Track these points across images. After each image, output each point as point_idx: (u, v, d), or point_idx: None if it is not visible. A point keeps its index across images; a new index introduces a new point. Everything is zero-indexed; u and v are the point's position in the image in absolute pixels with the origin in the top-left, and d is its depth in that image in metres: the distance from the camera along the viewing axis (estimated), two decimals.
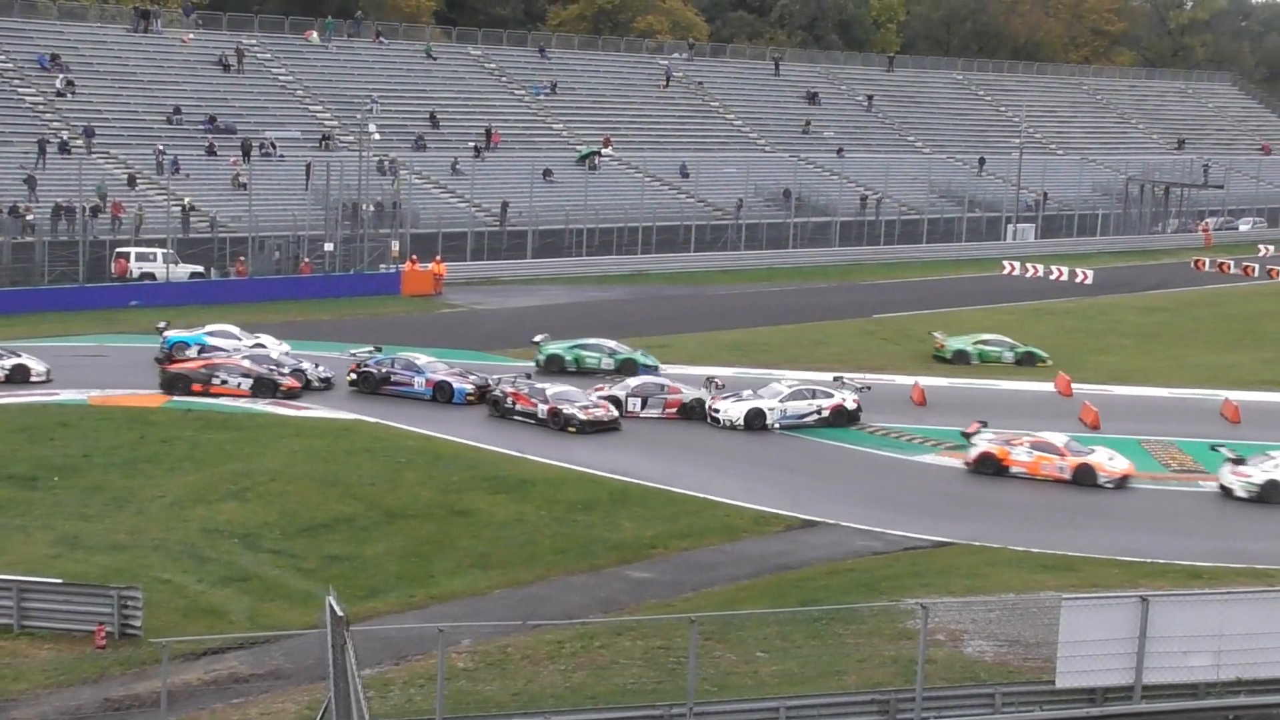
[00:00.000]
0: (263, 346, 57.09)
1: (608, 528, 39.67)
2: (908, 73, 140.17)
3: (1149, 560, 38.11)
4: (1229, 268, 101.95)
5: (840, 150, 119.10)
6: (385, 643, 30.18)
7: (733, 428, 50.64)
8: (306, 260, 79.19)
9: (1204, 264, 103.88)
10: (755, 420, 50.59)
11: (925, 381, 58.62)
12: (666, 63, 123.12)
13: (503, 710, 26.16)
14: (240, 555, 36.38)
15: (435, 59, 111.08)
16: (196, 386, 51.92)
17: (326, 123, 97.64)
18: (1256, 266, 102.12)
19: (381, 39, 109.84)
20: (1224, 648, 26.99)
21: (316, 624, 24.79)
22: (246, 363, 53.43)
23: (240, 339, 58.23)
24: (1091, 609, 27.28)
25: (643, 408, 52.01)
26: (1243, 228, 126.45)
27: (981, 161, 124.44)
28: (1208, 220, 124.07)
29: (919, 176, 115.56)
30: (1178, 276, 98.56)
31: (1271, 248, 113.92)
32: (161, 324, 59.18)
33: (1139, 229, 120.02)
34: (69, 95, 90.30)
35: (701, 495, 42.88)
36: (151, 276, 74.94)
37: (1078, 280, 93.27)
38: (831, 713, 25.92)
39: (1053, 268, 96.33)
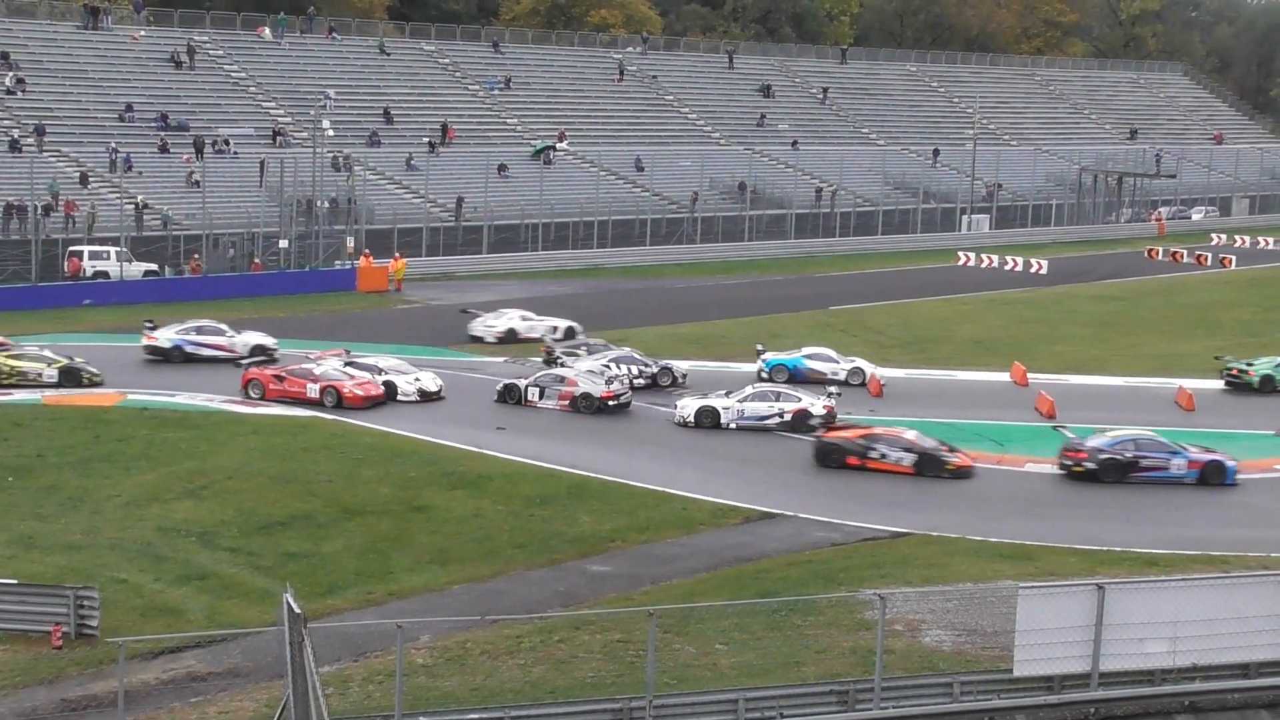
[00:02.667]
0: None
1: (566, 522, 39.61)
2: (861, 65, 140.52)
3: (1105, 548, 38.26)
4: (1182, 257, 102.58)
5: (795, 143, 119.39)
6: (344, 639, 30.04)
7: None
8: (258, 260, 78.81)
9: (1157, 253, 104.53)
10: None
11: (882, 372, 58.72)
12: (620, 56, 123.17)
13: (462, 706, 26.10)
14: (197, 554, 36.18)
15: (389, 54, 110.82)
16: (852, 460, 45.63)
17: (280, 119, 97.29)
18: (1209, 255, 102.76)
19: (334, 35, 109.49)
20: (1180, 634, 27.07)
21: (274, 622, 24.66)
22: (910, 434, 46.58)
23: (838, 361, 57.87)
24: (1048, 597, 27.34)
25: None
26: (1195, 217, 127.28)
27: (935, 153, 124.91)
28: (1161, 210, 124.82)
29: (873, 168, 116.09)
30: (1132, 266, 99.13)
31: (1224, 236, 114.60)
32: (759, 346, 59.06)
33: (1093, 219, 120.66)
34: (19, 93, 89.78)
35: (659, 489, 42.83)
36: (105, 275, 74.54)
37: (1033, 270, 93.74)
38: (791, 704, 25.91)
39: (1008, 258, 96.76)
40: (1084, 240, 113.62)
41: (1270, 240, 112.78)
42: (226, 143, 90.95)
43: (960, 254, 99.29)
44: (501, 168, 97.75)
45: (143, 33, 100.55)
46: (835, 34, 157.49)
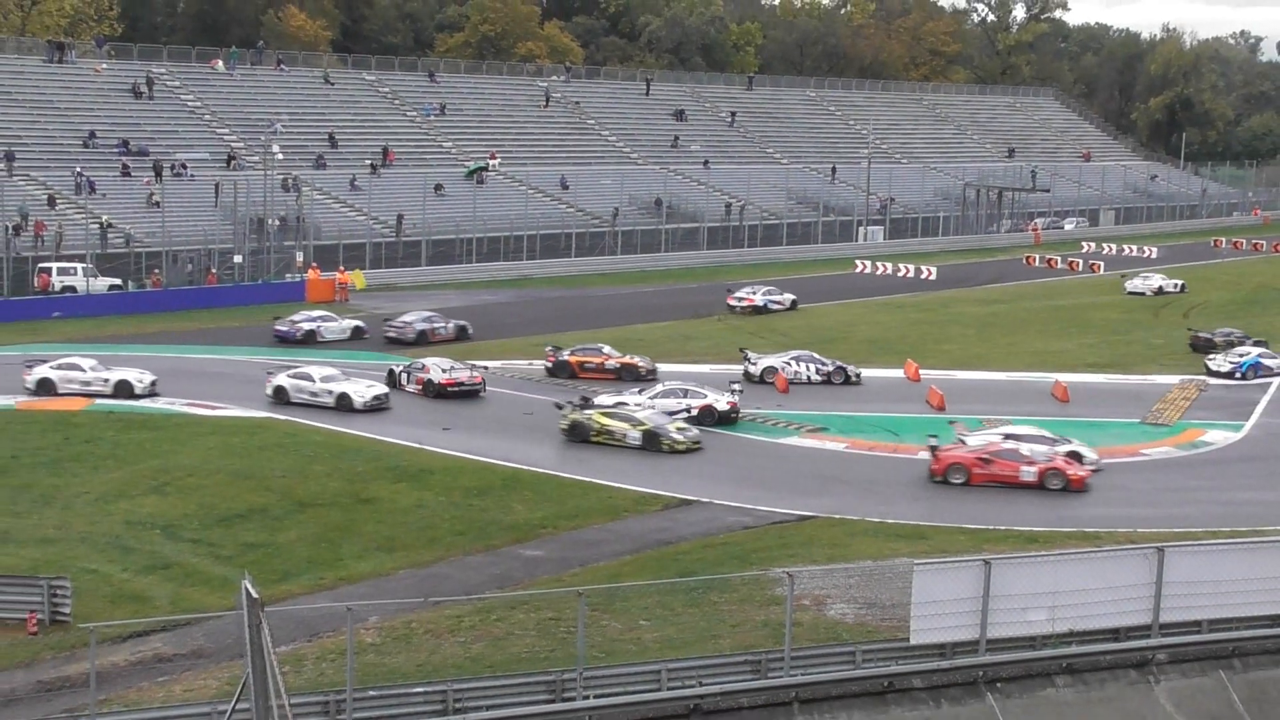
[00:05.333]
0: None
1: (501, 511, 39.57)
2: (766, 91, 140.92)
3: (991, 527, 38.63)
4: (1056, 263, 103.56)
5: (706, 162, 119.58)
6: (298, 622, 29.88)
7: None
8: (213, 271, 78.11)
9: (1034, 260, 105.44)
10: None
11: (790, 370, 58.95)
12: (546, 84, 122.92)
13: (408, 680, 26.01)
14: (162, 545, 35.88)
15: (333, 84, 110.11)
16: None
17: (233, 144, 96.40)
18: (1080, 261, 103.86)
19: (282, 66, 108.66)
20: (1058, 603, 27.33)
21: (234, 606, 24.48)
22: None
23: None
24: (940, 572, 27.53)
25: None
26: (1068, 226, 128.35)
27: (834, 170, 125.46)
28: (1036, 220, 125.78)
29: (778, 185, 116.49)
30: (1011, 271, 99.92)
31: (1093, 244, 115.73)
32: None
33: (976, 229, 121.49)
34: None
35: (586, 479, 42.87)
36: (73, 289, 73.58)
37: (923, 276, 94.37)
38: (708, 673, 25.96)
39: (900, 265, 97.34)
40: (968, 249, 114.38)
41: (1134, 248, 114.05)
42: (184, 166, 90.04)
43: (857, 262, 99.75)
44: (438, 187, 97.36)
45: (105, 65, 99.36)
46: (742, 63, 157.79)
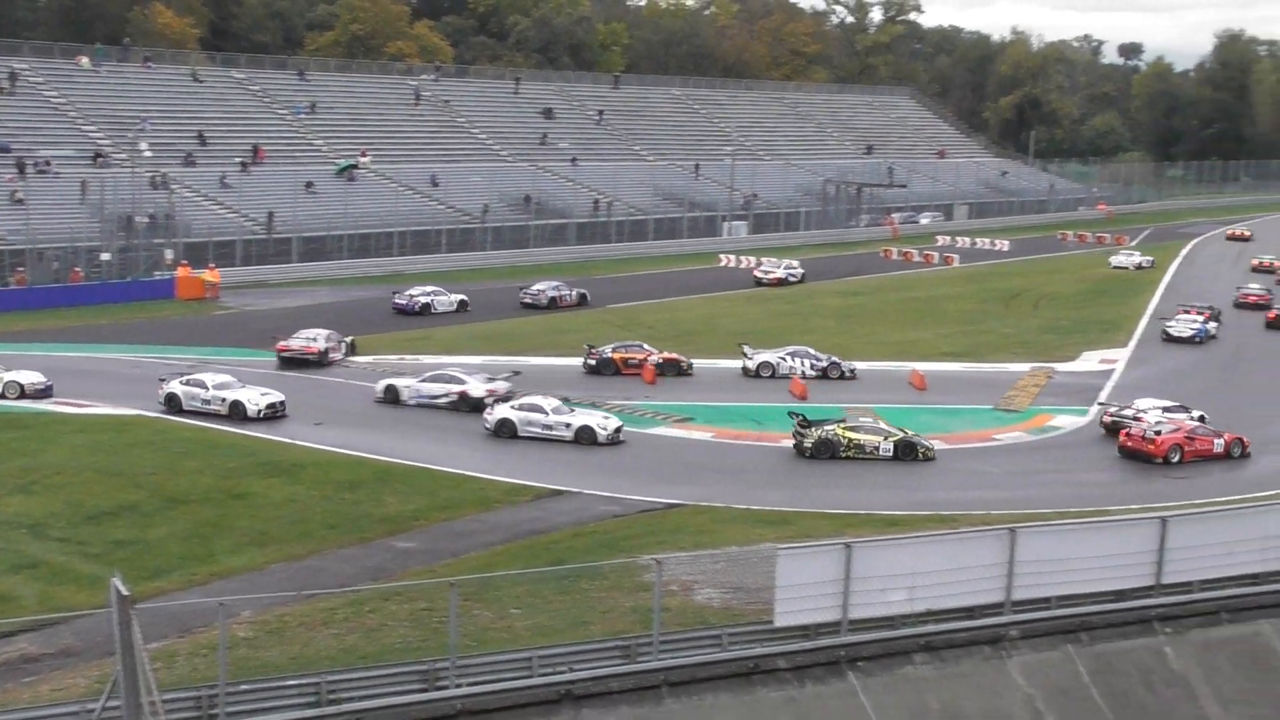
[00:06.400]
0: None
1: (374, 504, 39.21)
2: (632, 90, 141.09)
3: (852, 512, 39.05)
4: (912, 256, 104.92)
5: (574, 159, 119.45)
6: (170, 618, 29.30)
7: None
8: (78, 269, 76.46)
9: (891, 253, 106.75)
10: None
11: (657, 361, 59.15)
12: (416, 83, 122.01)
13: (281, 673, 25.64)
14: (28, 544, 35.01)
15: (202, 82, 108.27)
16: None
17: (100, 142, 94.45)
18: (935, 254, 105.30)
19: (150, 64, 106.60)
20: (917, 584, 27.65)
21: (105, 604, 23.97)
22: None
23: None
24: (804, 556, 27.72)
25: None
26: (923, 221, 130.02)
27: (698, 167, 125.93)
28: (894, 215, 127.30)
29: (644, 182, 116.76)
30: (870, 265, 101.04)
31: (948, 238, 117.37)
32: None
33: (836, 224, 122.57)
34: None
35: (458, 472, 42.66)
36: None
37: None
38: (580, 659, 25.91)
39: (763, 259, 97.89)
40: (829, 243, 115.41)
41: (987, 241, 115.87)
42: (48, 163, 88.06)
43: (722, 256, 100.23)
44: (309, 184, 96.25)
45: None
46: (609, 63, 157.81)
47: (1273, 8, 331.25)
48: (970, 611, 28.34)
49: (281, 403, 49.24)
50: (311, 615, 29.72)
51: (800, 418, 46.67)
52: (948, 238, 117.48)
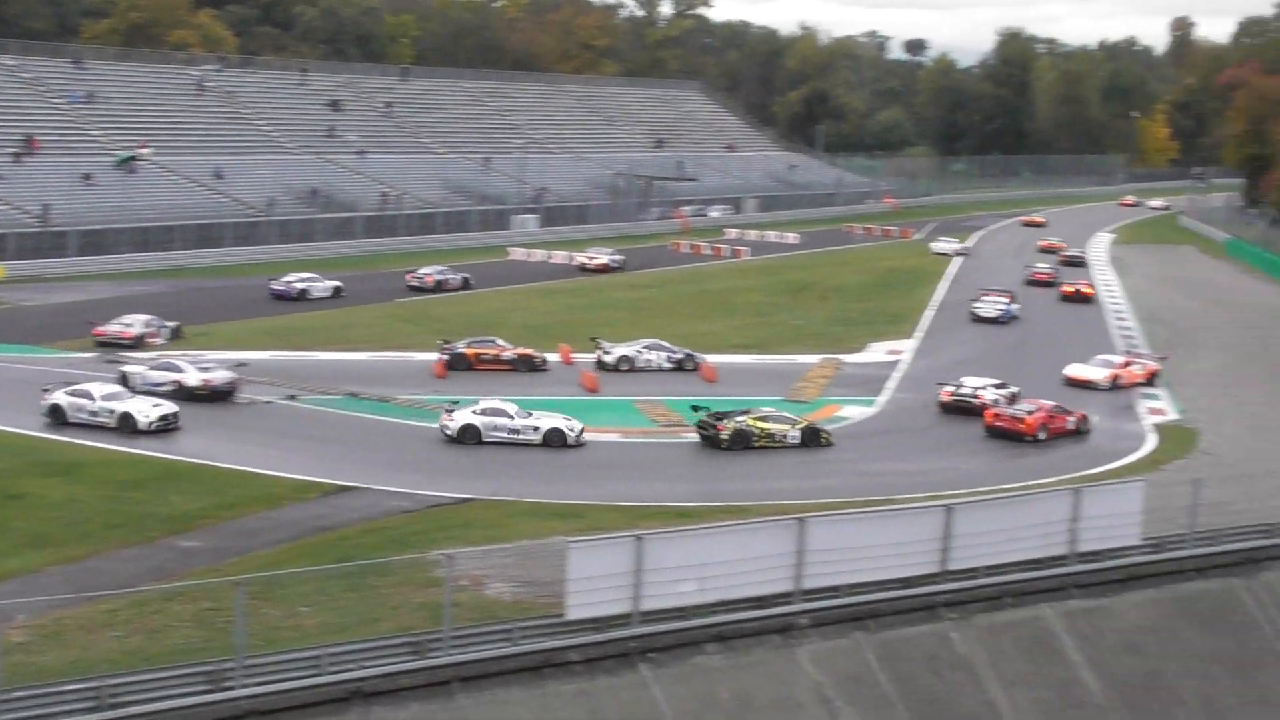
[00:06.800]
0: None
1: (158, 503, 38.27)
2: (421, 82, 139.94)
3: (643, 504, 39.32)
4: (702, 249, 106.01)
5: (363, 152, 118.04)
6: None
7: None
8: None
9: (681, 246, 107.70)
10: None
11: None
12: (199, 73, 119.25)
13: (60, 678, 24.89)
14: None
15: None
16: None
17: None
18: (725, 247, 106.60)
19: None
20: (707, 575, 28.03)
21: None
22: None
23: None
24: (595, 549, 27.90)
25: None
26: (713, 214, 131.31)
27: (488, 160, 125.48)
28: (684, 209, 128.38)
29: (434, 174, 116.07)
30: (661, 258, 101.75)
31: (737, 231, 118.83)
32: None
33: (627, 217, 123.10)
34: None
35: (245, 469, 41.87)
36: None
37: (575, 263, 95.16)
38: (369, 656, 25.71)
39: (553, 253, 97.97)
40: (620, 236, 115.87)
41: (776, 234, 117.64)
42: None
43: (511, 250, 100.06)
44: (87, 176, 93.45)
45: None
46: (397, 54, 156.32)
47: (1051, 7, 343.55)
48: (761, 601, 28.80)
49: (174, 414, 46.29)
50: (91, 618, 28.89)
51: (706, 410, 47.70)
52: (737, 231, 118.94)
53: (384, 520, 37.75)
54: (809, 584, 29.08)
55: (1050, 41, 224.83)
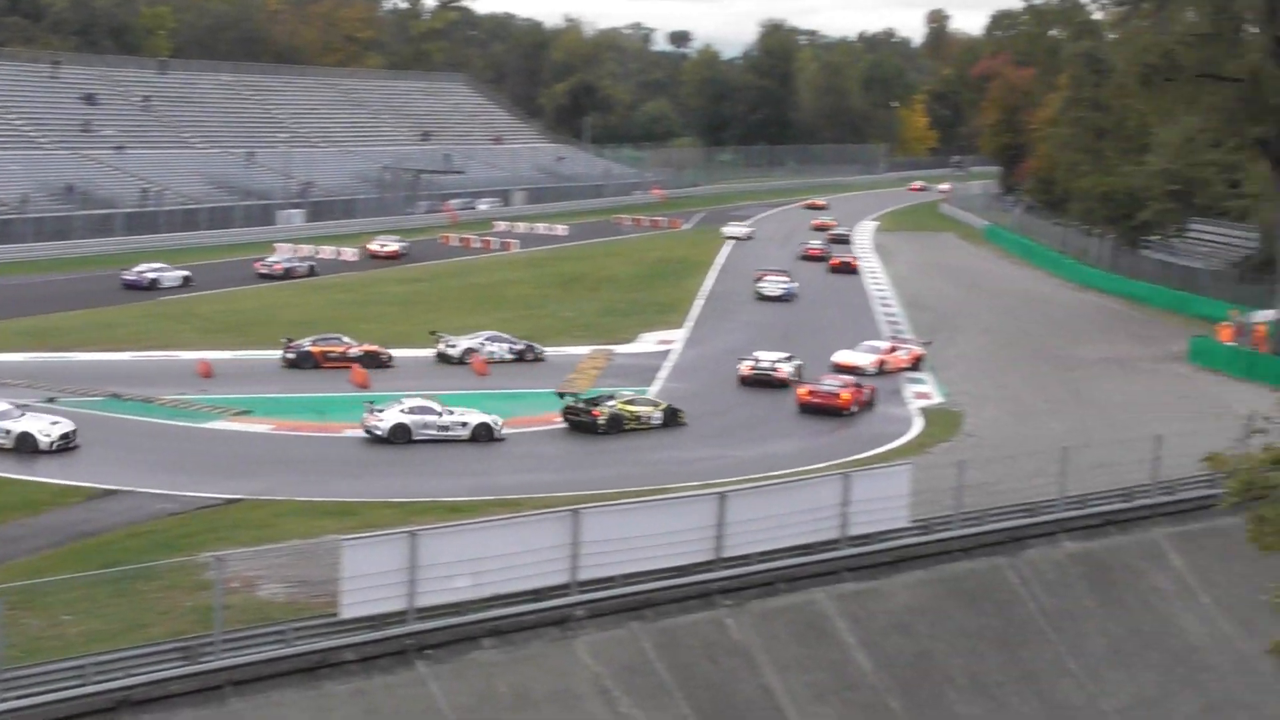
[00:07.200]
0: None
1: None
2: (180, 75, 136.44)
3: (416, 500, 39.09)
4: (472, 242, 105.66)
5: (120, 147, 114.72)
6: None
7: None
8: None
9: (450, 239, 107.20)
10: None
11: (210, 355, 57.60)
12: None
13: None
14: None
15: None
16: None
17: None
18: (494, 240, 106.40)
19: None
20: (482, 569, 28.00)
21: None
22: None
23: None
24: (368, 546, 27.66)
25: None
26: (481, 207, 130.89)
27: (251, 155, 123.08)
28: (452, 202, 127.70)
29: (196, 170, 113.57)
30: (429, 251, 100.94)
31: (506, 223, 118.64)
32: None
33: (394, 211, 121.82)
34: None
35: (1, 475, 40.37)
36: None
37: (342, 258, 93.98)
38: (138, 663, 25.08)
39: (320, 248, 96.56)
40: (388, 229, 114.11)
41: (545, 226, 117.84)
42: None
43: (277, 245, 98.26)
44: None
45: None
46: (154, 46, 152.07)
47: (812, 0, 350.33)
48: (537, 594, 28.87)
49: (74, 431, 43.57)
50: None
51: (575, 397, 49.17)
52: (507, 223, 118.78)
53: (150, 523, 36.81)
54: (585, 575, 29.25)
55: (812, 33, 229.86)
